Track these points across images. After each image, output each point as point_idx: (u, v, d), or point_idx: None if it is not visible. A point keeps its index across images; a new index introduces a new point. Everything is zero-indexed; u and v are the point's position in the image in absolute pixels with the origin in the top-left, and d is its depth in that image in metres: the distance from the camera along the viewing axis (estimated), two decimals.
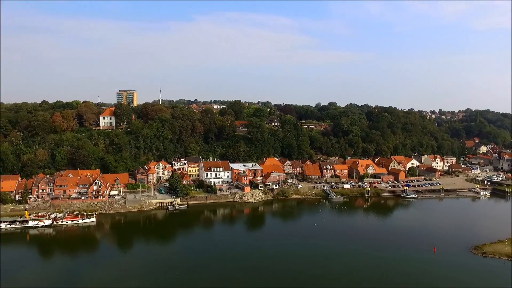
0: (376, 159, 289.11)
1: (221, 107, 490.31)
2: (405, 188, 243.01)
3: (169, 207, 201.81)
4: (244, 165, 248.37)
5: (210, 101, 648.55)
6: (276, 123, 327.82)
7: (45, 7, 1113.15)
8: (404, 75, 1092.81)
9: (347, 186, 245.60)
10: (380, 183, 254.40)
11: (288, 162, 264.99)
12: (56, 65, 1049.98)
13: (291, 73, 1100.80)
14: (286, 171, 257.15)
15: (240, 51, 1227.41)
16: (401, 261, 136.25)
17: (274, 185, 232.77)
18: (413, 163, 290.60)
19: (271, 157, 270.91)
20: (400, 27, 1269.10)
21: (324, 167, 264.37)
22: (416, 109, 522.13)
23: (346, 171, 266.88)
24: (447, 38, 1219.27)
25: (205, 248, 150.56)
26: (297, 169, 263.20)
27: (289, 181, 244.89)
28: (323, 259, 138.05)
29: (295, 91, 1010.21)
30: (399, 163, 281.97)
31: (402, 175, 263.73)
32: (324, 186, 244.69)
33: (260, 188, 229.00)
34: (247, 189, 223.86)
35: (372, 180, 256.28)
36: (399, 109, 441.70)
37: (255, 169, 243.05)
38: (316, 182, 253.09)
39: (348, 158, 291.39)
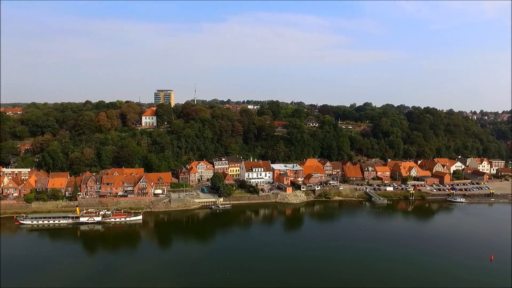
0: (419, 161, 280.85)
1: (254, 107, 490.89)
2: (452, 191, 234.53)
3: (213, 206, 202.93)
4: (285, 166, 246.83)
5: (243, 101, 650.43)
6: (314, 124, 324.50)
7: (81, 10, 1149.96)
8: (441, 74, 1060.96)
9: (390, 189, 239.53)
10: (424, 186, 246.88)
11: (328, 163, 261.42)
12: (93, 66, 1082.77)
13: (323, 73, 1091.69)
14: (327, 172, 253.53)
15: (272, 51, 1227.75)
16: (457, 267, 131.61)
17: (315, 186, 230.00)
18: (458, 166, 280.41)
19: (311, 158, 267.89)
20: (437, 25, 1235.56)
21: (366, 168, 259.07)
22: (455, 110, 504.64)
23: (388, 173, 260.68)
24: (487, 35, 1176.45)
25: (250, 248, 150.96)
26: (338, 170, 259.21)
27: (331, 182, 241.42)
28: (375, 262, 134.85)
29: (327, 91, 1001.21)
30: (443, 166, 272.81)
31: (447, 178, 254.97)
32: (366, 188, 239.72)
33: (302, 189, 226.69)
34: (289, 190, 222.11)
35: (416, 182, 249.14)
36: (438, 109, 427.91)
37: (296, 170, 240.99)
38: (357, 184, 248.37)
39: (389, 160, 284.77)
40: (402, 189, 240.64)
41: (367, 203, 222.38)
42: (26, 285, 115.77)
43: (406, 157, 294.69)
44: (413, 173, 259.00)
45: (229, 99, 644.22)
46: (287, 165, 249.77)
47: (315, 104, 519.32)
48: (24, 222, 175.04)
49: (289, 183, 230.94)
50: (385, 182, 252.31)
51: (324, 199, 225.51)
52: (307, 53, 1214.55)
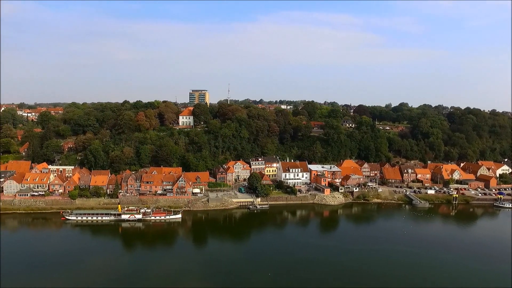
0: (462, 164, 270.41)
1: (288, 107, 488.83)
2: (499, 196, 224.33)
3: (250, 206, 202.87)
4: (322, 167, 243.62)
5: (275, 101, 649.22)
6: (350, 124, 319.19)
7: (116, 12, 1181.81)
8: (480, 73, 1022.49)
9: (431, 192, 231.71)
10: (468, 189, 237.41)
11: (366, 165, 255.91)
12: (129, 67, 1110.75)
13: (356, 73, 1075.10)
14: (364, 174, 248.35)
15: (303, 51, 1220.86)
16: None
17: (353, 188, 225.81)
18: (504, 169, 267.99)
19: (348, 159, 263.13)
20: (475, 21, 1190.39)
21: (405, 171, 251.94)
22: (499, 110, 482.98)
23: (428, 176, 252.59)
24: None
25: (287, 249, 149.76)
26: (376, 172, 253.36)
27: (369, 184, 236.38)
28: (419, 268, 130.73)
29: (360, 91, 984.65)
30: (488, 169, 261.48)
31: (493, 182, 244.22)
32: (406, 190, 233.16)
33: (340, 191, 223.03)
34: (327, 191, 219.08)
35: (459, 186, 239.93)
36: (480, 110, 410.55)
37: (334, 171, 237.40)
38: (396, 186, 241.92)
39: (429, 162, 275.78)
40: (444, 192, 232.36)
41: (407, 206, 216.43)
42: (67, 276, 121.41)
43: (447, 160, 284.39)
44: (456, 176, 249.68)
45: (261, 99, 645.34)
46: (324, 166, 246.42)
47: (349, 104, 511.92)
48: (69, 217, 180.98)
49: (326, 184, 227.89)
50: (425, 185, 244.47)
51: (362, 201, 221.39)
52: (339, 52, 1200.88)
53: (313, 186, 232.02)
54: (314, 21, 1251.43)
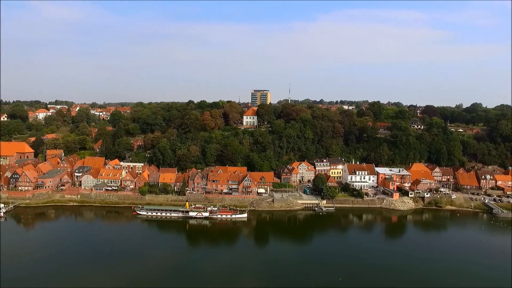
0: None
1: (349, 107, 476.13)
2: None
3: (316, 208, 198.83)
4: (390, 170, 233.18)
5: (336, 101, 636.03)
6: (419, 126, 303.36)
7: (175, 14, 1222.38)
8: None
9: None
10: None
11: (437, 169, 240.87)
12: (190, 67, 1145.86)
13: (421, 71, 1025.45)
14: (436, 178, 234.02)
15: (365, 50, 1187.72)
16: None
17: (424, 193, 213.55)
18: None
19: (417, 163, 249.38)
20: None
21: (483, 176, 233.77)
22: None
23: (510, 183, 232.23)
24: None
25: (356, 254, 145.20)
26: (448, 177, 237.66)
27: (441, 190, 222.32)
28: (501, 283, 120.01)
29: (428, 91, 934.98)
30: None
31: None
32: (484, 198, 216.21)
33: (409, 196, 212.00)
34: (396, 195, 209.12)
35: None
36: None
37: (402, 175, 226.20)
38: (472, 193, 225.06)
39: (510, 168, 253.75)
40: None
41: (485, 215, 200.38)
42: (129, 266, 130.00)
43: None
44: None
45: (321, 99, 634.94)
46: (393, 169, 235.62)
47: (415, 104, 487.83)
48: (140, 212, 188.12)
49: (395, 189, 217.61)
50: (507, 193, 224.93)
51: (434, 207, 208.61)
52: (403, 50, 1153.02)
53: (381, 190, 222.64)
54: (377, 19, 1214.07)
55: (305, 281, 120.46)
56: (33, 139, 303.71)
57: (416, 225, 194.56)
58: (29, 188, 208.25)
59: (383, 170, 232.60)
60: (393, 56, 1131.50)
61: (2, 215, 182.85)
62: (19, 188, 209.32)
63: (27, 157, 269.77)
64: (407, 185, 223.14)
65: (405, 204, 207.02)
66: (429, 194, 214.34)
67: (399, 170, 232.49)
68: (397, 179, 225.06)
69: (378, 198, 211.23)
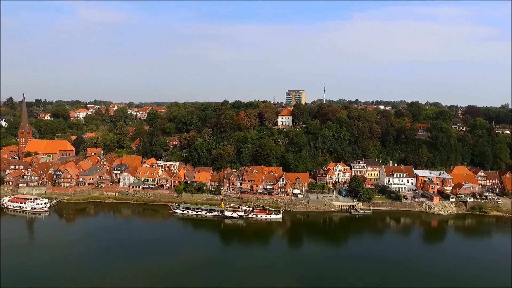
0: None
1: (385, 107, 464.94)
2: None
3: (352, 210, 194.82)
4: (430, 172, 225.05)
5: (372, 101, 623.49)
6: (460, 127, 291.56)
7: (208, 15, 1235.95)
8: None
9: None
10: None
11: (481, 173, 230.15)
12: (224, 67, 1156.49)
13: (463, 69, 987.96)
14: (479, 182, 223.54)
15: (402, 48, 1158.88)
16: None
17: (467, 198, 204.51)
18: None
19: (459, 165, 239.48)
20: None
21: None
22: None
23: None
24: None
25: (394, 258, 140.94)
26: (494, 181, 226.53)
27: (486, 194, 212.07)
28: None
29: (470, 90, 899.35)
30: None
31: None
32: None
33: (451, 200, 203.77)
34: (437, 199, 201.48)
35: None
36: None
37: (443, 178, 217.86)
38: None
39: None
40: None
41: None
42: (160, 261, 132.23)
43: None
44: None
45: (356, 99, 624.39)
46: (433, 171, 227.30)
47: (455, 104, 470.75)
48: (176, 211, 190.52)
49: (435, 192, 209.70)
50: None
51: (478, 212, 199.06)
52: (443, 48, 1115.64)
53: (420, 193, 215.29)
54: (415, 16, 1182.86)
55: (339, 283, 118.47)
56: (74, 137, 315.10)
57: (458, 230, 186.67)
58: (71, 184, 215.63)
59: (422, 173, 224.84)
60: (432, 54, 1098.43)
61: (47, 209, 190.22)
62: (62, 184, 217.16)
63: (69, 154, 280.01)
64: (448, 188, 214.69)
65: (446, 208, 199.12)
66: (472, 198, 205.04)
67: (440, 173, 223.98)
68: (438, 182, 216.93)
69: (417, 201, 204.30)
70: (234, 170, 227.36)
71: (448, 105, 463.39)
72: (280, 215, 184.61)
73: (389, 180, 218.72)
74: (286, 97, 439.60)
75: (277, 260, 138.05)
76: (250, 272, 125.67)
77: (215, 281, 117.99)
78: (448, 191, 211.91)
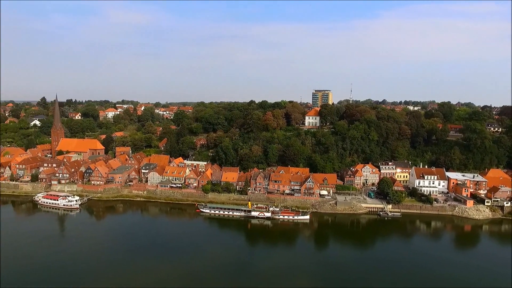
0: None
1: (414, 108, 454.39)
2: None
3: (381, 213, 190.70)
4: (463, 175, 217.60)
5: (400, 102, 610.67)
6: (495, 128, 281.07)
7: (235, 15, 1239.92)
8: None
9: None
10: None
11: None
12: (251, 67, 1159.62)
13: (498, 68, 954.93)
14: None
15: (432, 46, 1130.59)
16: None
17: (504, 202, 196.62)
18: None
19: (494, 168, 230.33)
20: None
21: None
22: None
23: None
24: None
25: (425, 263, 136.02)
26: None
27: None
28: None
29: (505, 89, 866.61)
30: None
31: None
32: None
33: (486, 204, 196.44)
34: (470, 203, 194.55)
35: None
36: None
37: (477, 181, 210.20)
38: None
39: None
40: None
41: None
42: (184, 260, 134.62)
43: None
44: None
45: (384, 99, 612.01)
46: (466, 174, 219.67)
47: (489, 105, 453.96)
48: (203, 210, 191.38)
49: (468, 195, 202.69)
50: None
51: None
52: (476, 46, 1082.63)
53: (452, 196, 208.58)
54: (445, 13, 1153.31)
55: (366, 286, 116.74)
56: (103, 136, 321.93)
57: (493, 236, 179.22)
58: (101, 182, 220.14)
59: (454, 175, 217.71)
60: (463, 52, 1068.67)
61: (78, 207, 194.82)
62: (92, 182, 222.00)
63: (99, 153, 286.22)
64: (482, 192, 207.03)
65: (481, 212, 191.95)
66: (509, 203, 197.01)
67: (473, 175, 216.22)
68: (471, 185, 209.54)
69: (449, 204, 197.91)
70: (261, 170, 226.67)
71: (481, 106, 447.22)
72: (308, 216, 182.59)
73: (419, 183, 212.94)
74: (312, 97, 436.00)
75: (303, 261, 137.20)
76: (275, 272, 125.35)
77: (240, 281, 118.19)
78: (483, 195, 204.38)
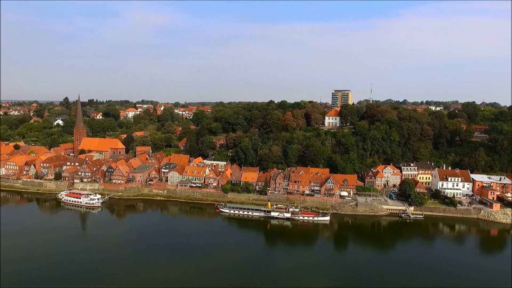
0: None
1: (436, 108, 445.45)
2: None
3: (402, 215, 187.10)
4: (489, 177, 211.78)
5: (421, 102, 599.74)
6: None
7: (253, 15, 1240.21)
8: None
9: None
10: None
11: None
12: (270, 67, 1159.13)
13: None
14: None
15: (455, 45, 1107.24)
16: None
17: None
18: None
19: None
20: None
21: None
22: None
23: None
24: None
25: (446, 267, 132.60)
26: None
27: None
28: None
29: None
30: None
31: None
32: None
33: None
34: (497, 206, 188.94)
35: None
36: None
37: (504, 184, 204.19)
38: None
39: None
40: None
41: None
42: (200, 258, 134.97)
43: None
44: None
45: (405, 100, 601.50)
46: (492, 176, 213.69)
47: None
48: (223, 210, 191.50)
49: (495, 198, 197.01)
50: None
51: None
52: (500, 44, 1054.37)
53: (477, 199, 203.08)
54: (468, 11, 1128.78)
55: None
56: (124, 136, 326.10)
57: None
58: (122, 181, 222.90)
59: (480, 177, 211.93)
60: (488, 51, 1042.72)
61: (100, 205, 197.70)
62: (113, 181, 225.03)
63: (119, 152, 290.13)
64: (510, 195, 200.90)
65: (508, 216, 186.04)
66: None
67: (500, 178, 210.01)
68: (498, 188, 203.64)
69: (474, 207, 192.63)
70: (280, 170, 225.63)
71: (508, 106, 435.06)
72: (328, 217, 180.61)
73: (442, 185, 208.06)
74: (332, 97, 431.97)
75: (322, 262, 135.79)
76: (293, 273, 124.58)
77: (258, 281, 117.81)
78: (510, 198, 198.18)
